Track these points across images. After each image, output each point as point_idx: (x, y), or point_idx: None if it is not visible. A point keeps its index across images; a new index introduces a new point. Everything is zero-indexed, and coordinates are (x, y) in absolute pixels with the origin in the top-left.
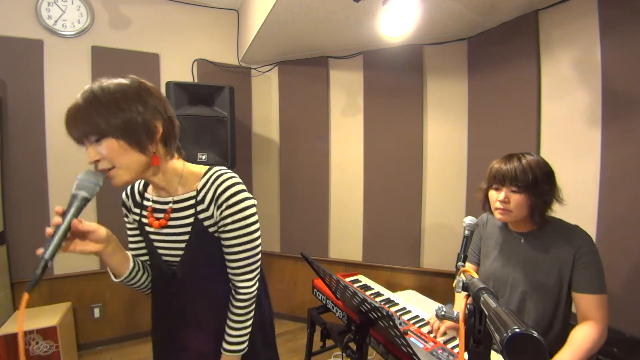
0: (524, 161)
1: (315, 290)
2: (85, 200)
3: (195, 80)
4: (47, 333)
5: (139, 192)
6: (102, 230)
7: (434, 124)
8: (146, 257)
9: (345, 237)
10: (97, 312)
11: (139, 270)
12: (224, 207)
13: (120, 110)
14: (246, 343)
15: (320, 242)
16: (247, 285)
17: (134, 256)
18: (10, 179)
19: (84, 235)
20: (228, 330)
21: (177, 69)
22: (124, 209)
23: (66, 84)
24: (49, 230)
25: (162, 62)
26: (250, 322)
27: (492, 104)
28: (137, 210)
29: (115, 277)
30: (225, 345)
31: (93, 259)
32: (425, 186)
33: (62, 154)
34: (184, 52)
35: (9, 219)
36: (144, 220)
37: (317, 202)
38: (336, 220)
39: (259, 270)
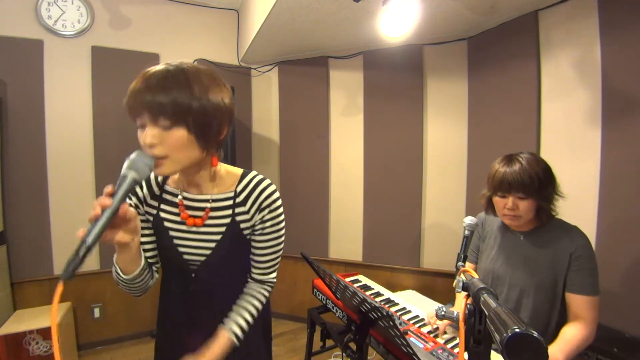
0: (524, 163)
1: (315, 290)
2: (135, 183)
3: None
4: (47, 333)
5: (157, 183)
6: (138, 220)
7: (434, 124)
8: (151, 254)
9: (345, 237)
10: (97, 312)
11: (146, 268)
12: (266, 211)
13: (207, 101)
14: (242, 339)
15: (320, 242)
16: (274, 280)
17: None
18: (10, 179)
19: (123, 222)
20: (245, 315)
21: None
22: (134, 199)
23: (66, 84)
24: (97, 211)
25: (162, 62)
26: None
27: (492, 104)
28: (154, 203)
29: (125, 273)
30: (233, 326)
31: (93, 258)
32: (425, 186)
33: (62, 154)
34: (184, 52)
35: (9, 219)
36: (164, 215)
37: (317, 202)
38: (336, 220)
39: None
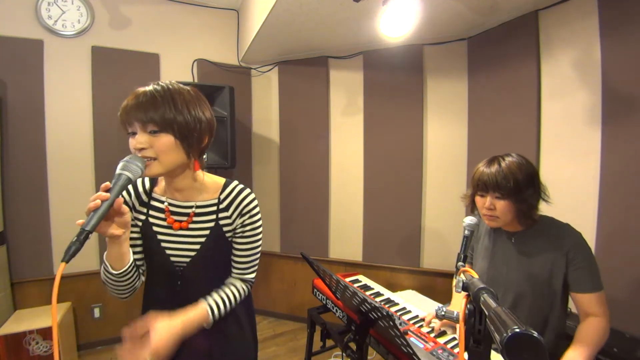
0: (503, 165)
1: (315, 290)
2: (128, 181)
3: (195, 80)
4: (47, 333)
5: (144, 191)
6: (129, 215)
7: (434, 124)
8: (139, 256)
9: (345, 237)
10: (97, 312)
11: (134, 265)
12: (246, 216)
13: (189, 113)
14: (217, 317)
15: (320, 242)
16: (253, 279)
17: None
18: (10, 179)
19: (117, 215)
20: (223, 297)
21: (177, 69)
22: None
23: (66, 84)
24: (97, 203)
25: (162, 62)
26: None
27: (492, 104)
28: (143, 210)
29: (114, 269)
30: (210, 301)
31: (93, 258)
32: (425, 186)
33: (62, 154)
34: (184, 52)
35: (9, 219)
36: (152, 220)
37: (317, 202)
38: (336, 220)
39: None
